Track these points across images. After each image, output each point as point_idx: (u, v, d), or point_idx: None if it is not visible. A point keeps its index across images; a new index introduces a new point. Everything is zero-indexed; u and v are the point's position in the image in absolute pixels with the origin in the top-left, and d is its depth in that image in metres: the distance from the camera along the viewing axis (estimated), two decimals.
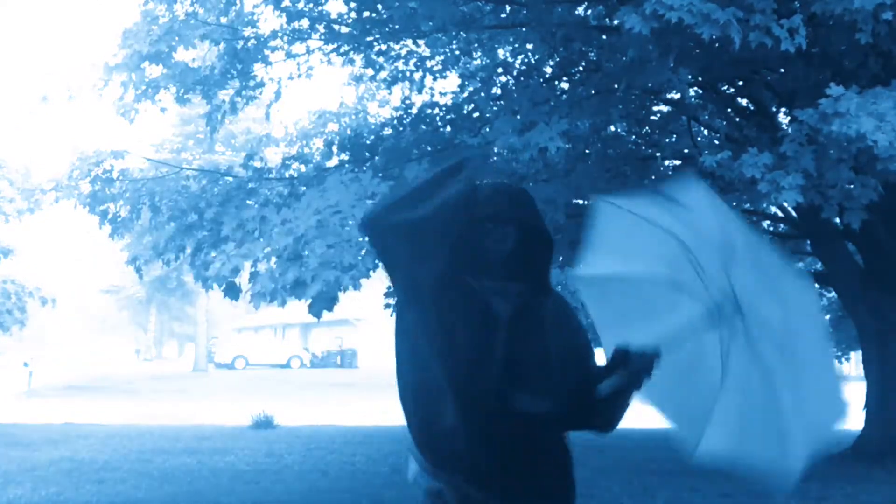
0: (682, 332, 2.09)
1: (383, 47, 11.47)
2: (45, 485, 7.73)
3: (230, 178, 11.31)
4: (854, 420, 11.92)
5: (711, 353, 2.11)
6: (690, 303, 2.12)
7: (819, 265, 13.19)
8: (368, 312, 36.17)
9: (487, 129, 9.62)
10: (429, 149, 10.45)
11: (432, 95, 12.37)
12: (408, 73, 12.20)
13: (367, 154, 11.26)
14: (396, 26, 10.22)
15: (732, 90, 11.08)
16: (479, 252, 2.18)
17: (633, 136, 11.57)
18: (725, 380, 2.07)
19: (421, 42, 11.78)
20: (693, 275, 2.11)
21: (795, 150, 6.58)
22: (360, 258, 8.32)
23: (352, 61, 11.90)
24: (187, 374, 36.43)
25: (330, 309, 8.82)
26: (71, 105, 10.37)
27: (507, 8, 10.42)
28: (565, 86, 10.95)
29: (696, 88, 11.13)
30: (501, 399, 2.02)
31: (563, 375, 2.10)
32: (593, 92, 9.37)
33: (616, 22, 6.95)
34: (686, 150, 11.08)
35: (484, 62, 12.23)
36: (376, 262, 9.71)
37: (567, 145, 8.95)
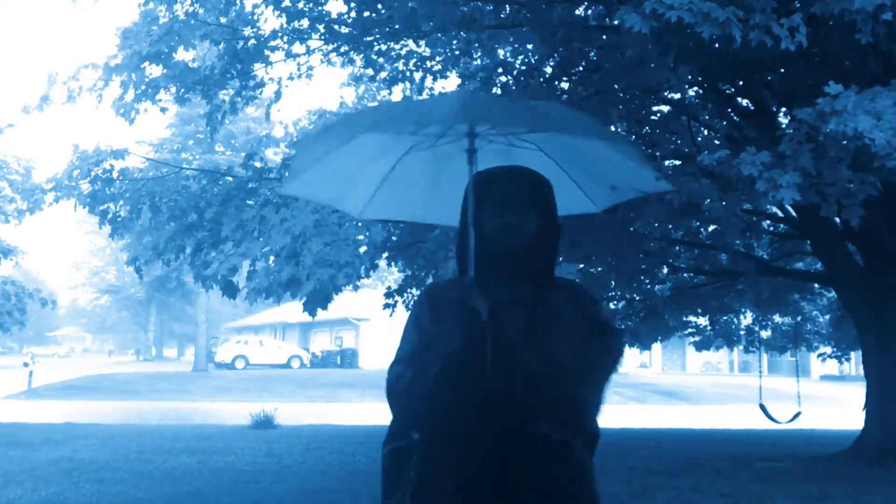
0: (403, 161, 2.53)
1: (383, 47, 11.47)
2: (45, 485, 7.72)
3: (230, 178, 11.31)
4: (854, 420, 11.95)
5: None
6: (397, 137, 2.46)
7: (819, 265, 13.19)
8: (369, 313, 36.19)
9: None
10: None
11: (432, 95, 12.36)
12: (408, 73, 12.20)
13: None
14: (396, 26, 10.22)
15: (732, 90, 11.07)
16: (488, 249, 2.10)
17: (633, 136, 11.56)
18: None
19: (421, 42, 11.77)
20: (398, 121, 2.43)
21: (794, 148, 6.58)
22: (356, 257, 8.32)
23: (352, 61, 11.90)
24: (187, 374, 36.41)
25: (324, 307, 8.81)
26: (71, 105, 10.39)
27: (507, 8, 10.41)
28: (565, 86, 10.95)
29: (696, 88, 11.12)
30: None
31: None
32: (593, 92, 9.37)
33: (616, 21, 6.94)
34: (686, 150, 11.08)
35: (484, 62, 12.22)
36: (374, 261, 9.73)
37: None
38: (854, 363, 34.75)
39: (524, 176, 2.17)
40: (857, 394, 14.57)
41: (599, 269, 12.55)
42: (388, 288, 12.99)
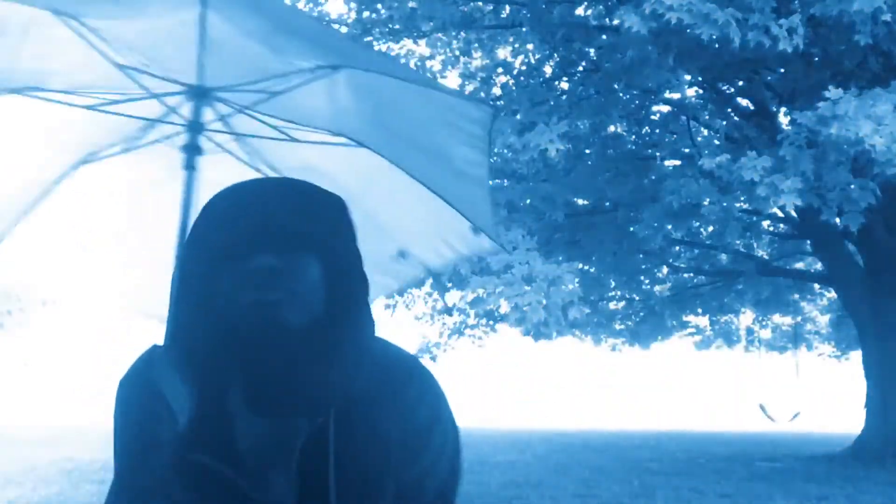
0: None
1: (383, 47, 11.48)
2: (45, 485, 7.72)
3: None
4: (854, 420, 11.95)
5: None
6: None
7: (819, 265, 13.20)
8: None
9: None
10: None
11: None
12: None
13: None
14: (396, 26, 10.23)
15: (732, 90, 11.08)
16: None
17: (633, 136, 11.57)
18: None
19: (421, 42, 11.78)
20: None
21: (794, 153, 6.59)
22: None
23: None
24: None
25: None
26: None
27: (507, 8, 10.43)
28: (565, 86, 10.96)
29: (696, 88, 11.13)
30: None
31: None
32: (593, 92, 9.38)
33: (616, 22, 6.95)
34: (686, 150, 11.09)
35: (484, 62, 12.24)
36: None
37: (567, 146, 8.97)
38: (854, 363, 34.75)
39: (292, 188, 1.12)
40: (857, 394, 14.62)
41: (600, 269, 12.57)
42: None
